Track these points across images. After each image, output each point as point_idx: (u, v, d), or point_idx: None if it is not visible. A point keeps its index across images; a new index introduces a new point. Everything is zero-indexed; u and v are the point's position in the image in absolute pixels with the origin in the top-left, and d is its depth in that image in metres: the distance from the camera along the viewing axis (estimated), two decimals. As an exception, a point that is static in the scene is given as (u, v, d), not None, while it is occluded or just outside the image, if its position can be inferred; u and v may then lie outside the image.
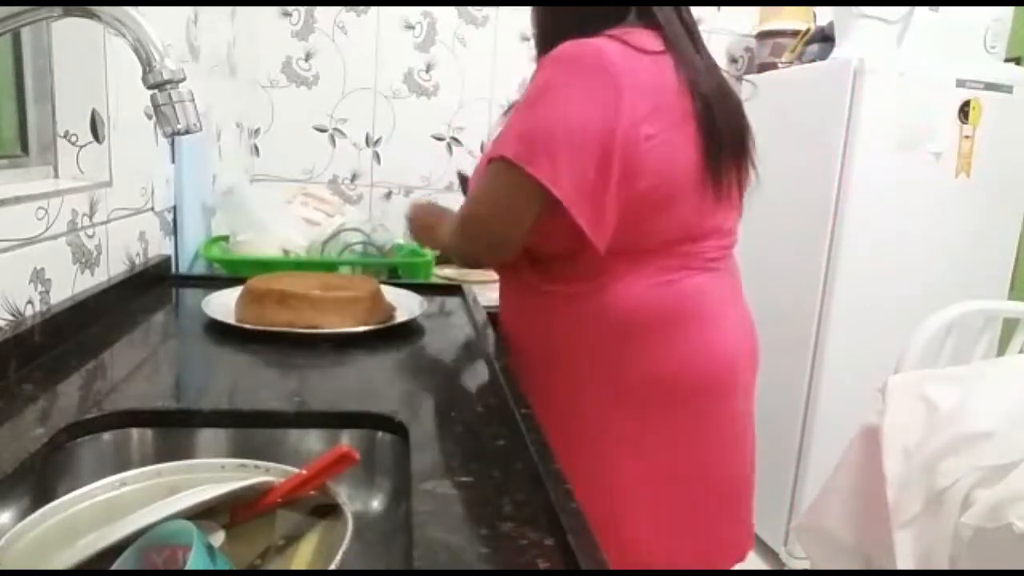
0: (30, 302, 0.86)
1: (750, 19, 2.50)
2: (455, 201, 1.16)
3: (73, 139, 1.06)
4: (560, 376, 1.00)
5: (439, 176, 2.44)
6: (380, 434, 0.74)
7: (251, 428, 0.73)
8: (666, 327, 0.96)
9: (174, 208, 1.41)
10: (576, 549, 0.50)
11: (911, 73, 1.88)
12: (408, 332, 1.07)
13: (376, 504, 0.72)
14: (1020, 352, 1.66)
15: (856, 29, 1.98)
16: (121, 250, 1.14)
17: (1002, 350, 1.82)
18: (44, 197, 0.89)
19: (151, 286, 1.22)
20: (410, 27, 2.36)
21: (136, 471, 0.57)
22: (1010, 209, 2.07)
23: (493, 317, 1.14)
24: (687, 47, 0.94)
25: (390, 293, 1.16)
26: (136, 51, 0.65)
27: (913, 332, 1.58)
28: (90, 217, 1.02)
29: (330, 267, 1.48)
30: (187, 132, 0.68)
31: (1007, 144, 2.00)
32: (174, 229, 1.42)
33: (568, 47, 0.90)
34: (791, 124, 2.09)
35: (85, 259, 1.01)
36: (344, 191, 2.40)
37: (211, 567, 0.44)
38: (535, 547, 0.52)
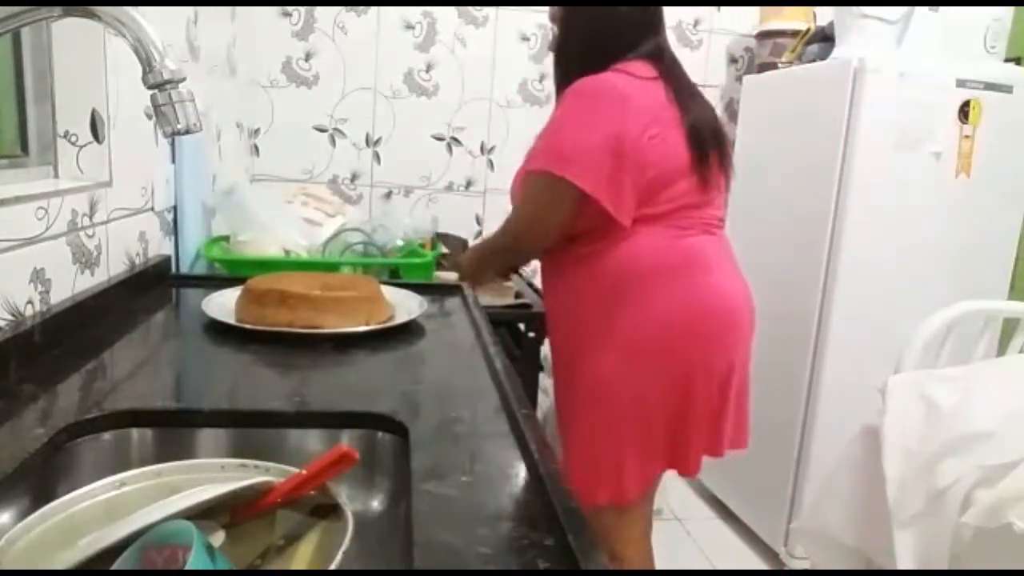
0: (30, 302, 0.86)
1: (750, 19, 2.50)
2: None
3: (73, 139, 1.06)
4: (595, 318, 1.27)
5: (439, 176, 2.44)
6: (380, 434, 0.74)
7: (251, 428, 0.73)
8: (678, 272, 1.24)
9: (174, 208, 1.41)
10: (576, 549, 0.50)
11: (911, 73, 1.88)
12: (408, 332, 1.07)
13: (376, 504, 0.72)
14: (1020, 352, 1.66)
15: (856, 29, 1.97)
16: (121, 250, 1.14)
17: (1002, 350, 1.82)
18: (44, 197, 0.89)
19: (151, 286, 1.22)
20: (410, 27, 2.36)
21: (136, 471, 0.57)
22: (1010, 209, 2.07)
23: (493, 318, 1.14)
24: (672, 72, 1.27)
25: (390, 293, 1.16)
26: (136, 51, 0.65)
27: (913, 332, 1.58)
28: (90, 217, 1.02)
29: (331, 267, 1.48)
30: (187, 132, 0.68)
31: (1007, 144, 1.99)
32: (174, 229, 1.42)
33: (586, 83, 1.22)
34: (791, 124, 2.09)
35: (85, 259, 1.01)
36: (344, 191, 2.40)
37: (211, 567, 0.44)
38: (535, 547, 0.52)
